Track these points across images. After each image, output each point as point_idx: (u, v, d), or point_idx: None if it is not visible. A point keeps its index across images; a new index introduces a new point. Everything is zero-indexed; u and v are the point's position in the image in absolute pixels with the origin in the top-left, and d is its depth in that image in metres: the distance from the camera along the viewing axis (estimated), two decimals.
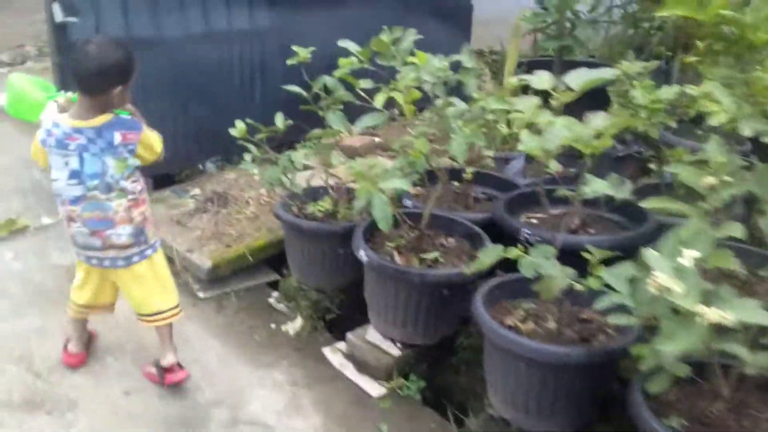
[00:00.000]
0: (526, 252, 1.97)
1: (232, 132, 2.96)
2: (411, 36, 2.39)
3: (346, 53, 4.08)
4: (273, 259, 3.27)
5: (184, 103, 3.83)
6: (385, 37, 2.40)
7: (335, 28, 4.74)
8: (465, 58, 2.45)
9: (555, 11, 3.70)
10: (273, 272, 3.27)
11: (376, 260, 2.46)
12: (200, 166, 4.10)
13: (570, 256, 1.94)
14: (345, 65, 2.57)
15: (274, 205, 2.97)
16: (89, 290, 2.45)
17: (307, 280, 2.99)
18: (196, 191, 3.75)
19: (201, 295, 3.07)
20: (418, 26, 5.47)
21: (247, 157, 3.01)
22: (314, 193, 3.08)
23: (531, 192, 2.92)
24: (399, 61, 2.39)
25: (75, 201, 2.22)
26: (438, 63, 2.33)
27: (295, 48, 2.99)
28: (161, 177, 3.83)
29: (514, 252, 2.00)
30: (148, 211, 2.36)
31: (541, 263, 1.92)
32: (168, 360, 2.46)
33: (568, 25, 3.89)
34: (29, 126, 4.76)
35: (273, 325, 2.92)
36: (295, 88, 2.96)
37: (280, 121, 3.06)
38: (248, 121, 3.09)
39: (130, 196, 2.25)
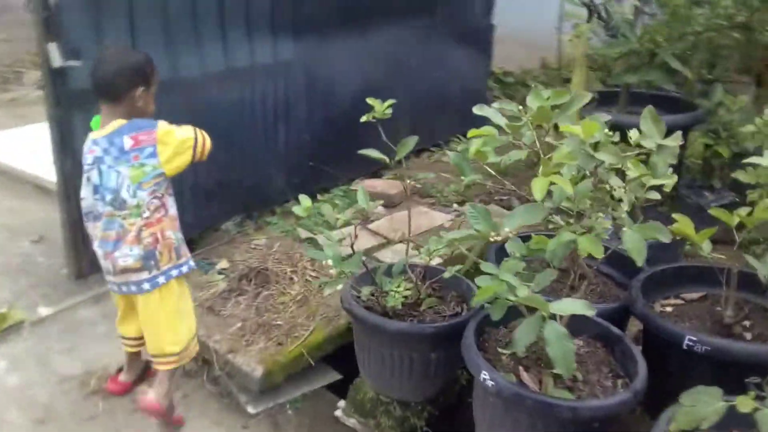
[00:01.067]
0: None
1: (296, 210, 2.34)
2: (581, 100, 1.77)
3: (376, 83, 3.42)
4: (331, 354, 2.67)
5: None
6: (538, 100, 1.79)
7: (361, 57, 4.21)
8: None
9: (637, 40, 3.17)
10: (332, 371, 2.67)
11: (508, 388, 1.87)
12: (220, 227, 3.48)
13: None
14: (477, 135, 1.94)
15: (342, 296, 2.36)
16: (127, 321, 2.33)
17: (388, 390, 2.39)
18: (224, 264, 3.12)
19: (251, 410, 2.45)
20: (442, 49, 5.03)
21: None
22: (378, 272, 2.47)
23: (664, 270, 2.40)
24: (551, 133, 1.80)
25: (97, 218, 2.12)
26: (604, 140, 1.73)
27: (370, 101, 2.37)
28: None
29: (746, 403, 1.46)
30: (167, 232, 2.15)
31: None
32: (150, 396, 2.22)
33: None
34: (11, 185, 4.09)
35: None
36: (376, 154, 2.35)
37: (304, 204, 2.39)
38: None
39: (144, 214, 2.08)
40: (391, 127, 4.58)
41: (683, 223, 1.96)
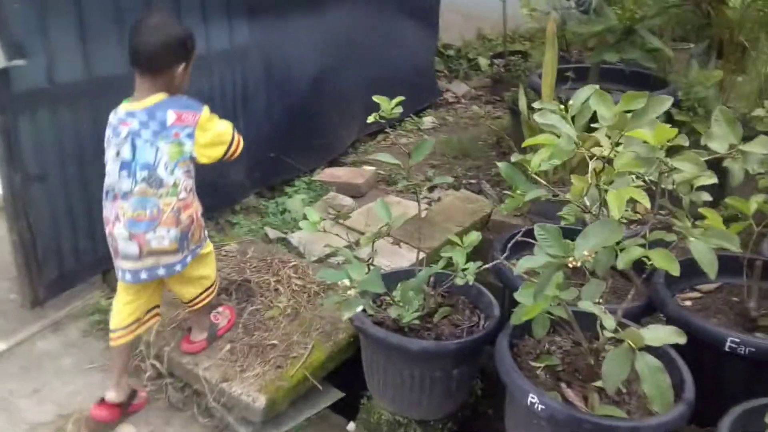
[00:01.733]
0: None
1: (304, 226, 2.11)
2: (664, 104, 1.57)
3: (333, 64, 3.15)
4: (332, 372, 2.47)
5: None
6: (607, 105, 1.60)
7: (317, 39, 3.92)
8: None
9: (617, 18, 3.06)
10: (334, 390, 2.47)
11: (561, 412, 1.74)
12: None
13: None
14: (536, 144, 1.72)
15: (355, 318, 2.14)
16: (126, 309, 2.15)
17: (407, 410, 2.23)
18: None
19: None
20: (393, 26, 4.80)
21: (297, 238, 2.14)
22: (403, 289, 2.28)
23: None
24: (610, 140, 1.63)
25: (125, 196, 1.99)
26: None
27: (377, 99, 2.14)
28: None
29: None
30: (199, 213, 2.13)
31: None
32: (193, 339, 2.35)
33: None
34: None
35: None
36: (390, 159, 2.14)
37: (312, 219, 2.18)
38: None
39: (181, 195, 2.01)
40: (346, 110, 4.38)
41: (712, 218, 1.86)
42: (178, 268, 2.08)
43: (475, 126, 5.05)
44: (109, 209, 2.04)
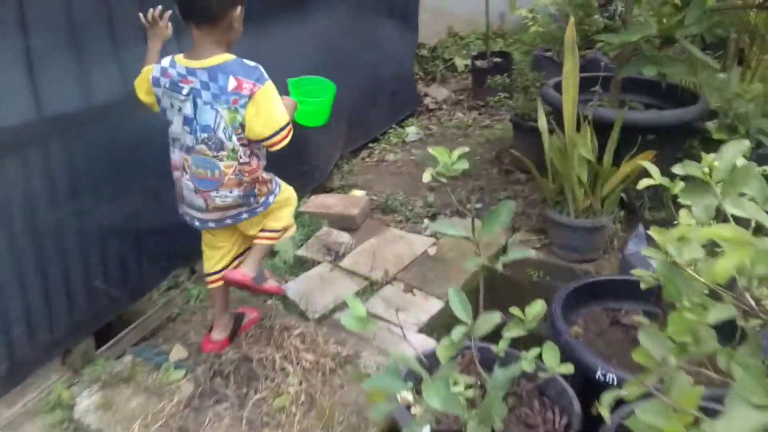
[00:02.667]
0: None
1: (350, 322, 1.61)
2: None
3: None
4: None
5: (116, 194, 2.32)
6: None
7: (300, 46, 3.41)
8: None
9: (650, 28, 2.67)
10: None
11: None
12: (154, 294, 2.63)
13: None
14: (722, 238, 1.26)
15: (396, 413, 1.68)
16: (211, 253, 2.24)
17: None
18: (180, 352, 2.32)
19: None
20: (372, 30, 4.32)
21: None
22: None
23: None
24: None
25: (188, 150, 1.97)
26: None
27: (436, 152, 1.67)
28: (100, 331, 2.37)
29: None
30: (263, 174, 2.09)
31: None
32: (239, 269, 2.21)
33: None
34: None
35: None
36: (453, 230, 1.67)
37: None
38: None
39: (242, 159, 1.98)
40: (332, 126, 3.89)
41: None
42: (244, 215, 2.09)
43: (465, 137, 4.62)
44: (176, 156, 2.03)
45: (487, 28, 5.50)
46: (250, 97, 1.88)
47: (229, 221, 2.09)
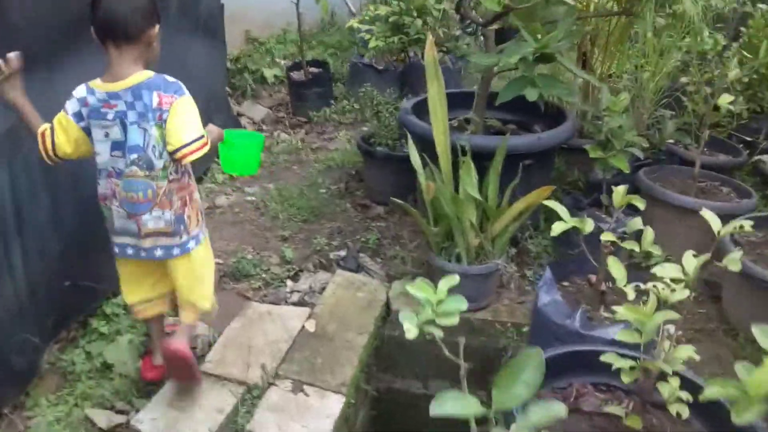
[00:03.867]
0: None
1: None
2: None
3: None
4: None
5: None
6: None
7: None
8: None
9: (528, 46, 2.38)
10: None
11: None
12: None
13: None
14: None
15: None
16: (134, 286, 2.16)
17: None
18: None
19: None
20: (182, 50, 3.62)
21: None
22: None
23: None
24: None
25: (118, 175, 1.92)
26: None
27: None
28: None
29: None
30: (194, 194, 2.07)
31: None
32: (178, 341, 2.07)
33: None
34: None
35: None
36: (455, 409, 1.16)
37: None
38: None
39: (171, 176, 1.93)
40: None
41: None
42: (176, 251, 2.03)
43: (299, 164, 4.11)
44: (104, 186, 1.96)
45: (300, 40, 4.99)
46: (169, 108, 1.84)
47: (159, 252, 2.01)
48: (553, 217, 1.93)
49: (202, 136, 1.89)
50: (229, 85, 5.24)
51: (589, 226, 1.96)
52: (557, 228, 2.02)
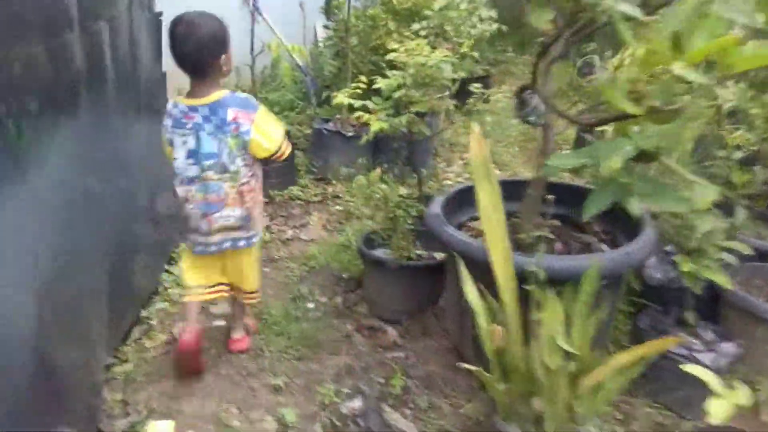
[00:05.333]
0: None
1: None
2: None
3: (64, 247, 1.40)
4: None
5: None
6: None
7: (17, 218, 1.83)
8: None
9: (629, 143, 1.77)
10: None
11: None
12: None
13: None
14: None
15: None
16: (199, 273, 2.44)
17: None
18: None
19: None
20: (118, 137, 2.81)
21: None
22: None
23: None
24: None
25: (191, 181, 2.23)
26: None
27: None
28: None
29: None
30: (259, 196, 2.37)
31: None
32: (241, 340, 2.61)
33: None
34: None
35: None
36: None
37: None
38: None
39: (243, 180, 2.24)
40: (96, 302, 2.31)
41: None
42: (242, 243, 2.33)
43: (272, 264, 3.32)
44: (180, 190, 2.26)
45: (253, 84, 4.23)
46: (252, 124, 2.17)
47: (227, 245, 2.32)
48: None
49: (282, 142, 2.26)
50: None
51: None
52: (717, 410, 1.40)
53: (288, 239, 3.59)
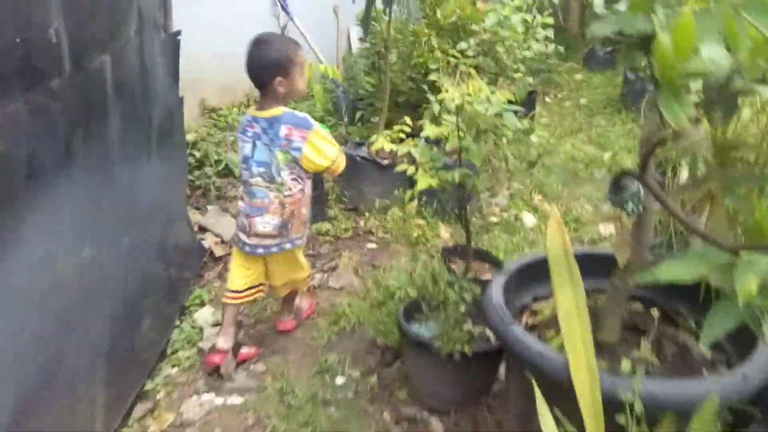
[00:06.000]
0: None
1: None
2: None
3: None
4: None
5: None
6: None
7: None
8: None
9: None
10: None
11: None
12: None
13: None
14: None
15: None
16: (240, 276, 2.58)
17: None
18: None
19: None
20: (130, 186, 2.40)
21: None
22: None
23: None
24: None
25: (245, 183, 2.46)
26: None
27: None
28: None
29: None
30: (302, 209, 2.50)
31: None
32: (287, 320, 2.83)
33: None
34: None
35: None
36: None
37: None
38: None
39: (287, 192, 2.41)
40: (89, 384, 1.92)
41: None
42: (274, 249, 2.49)
43: (302, 328, 2.92)
44: (241, 190, 2.52)
45: None
46: (305, 142, 2.34)
47: (261, 251, 2.49)
48: None
49: (335, 159, 2.43)
50: (191, 206, 4.00)
51: None
52: None
53: (315, 286, 3.20)
